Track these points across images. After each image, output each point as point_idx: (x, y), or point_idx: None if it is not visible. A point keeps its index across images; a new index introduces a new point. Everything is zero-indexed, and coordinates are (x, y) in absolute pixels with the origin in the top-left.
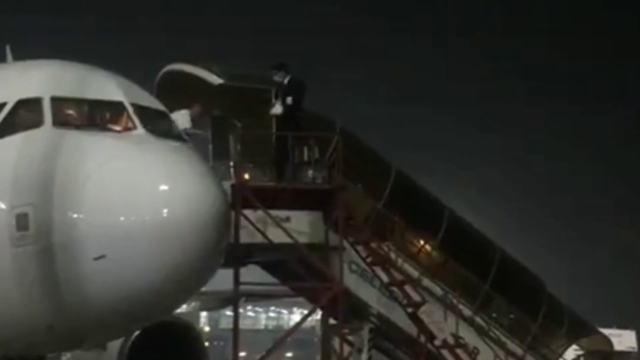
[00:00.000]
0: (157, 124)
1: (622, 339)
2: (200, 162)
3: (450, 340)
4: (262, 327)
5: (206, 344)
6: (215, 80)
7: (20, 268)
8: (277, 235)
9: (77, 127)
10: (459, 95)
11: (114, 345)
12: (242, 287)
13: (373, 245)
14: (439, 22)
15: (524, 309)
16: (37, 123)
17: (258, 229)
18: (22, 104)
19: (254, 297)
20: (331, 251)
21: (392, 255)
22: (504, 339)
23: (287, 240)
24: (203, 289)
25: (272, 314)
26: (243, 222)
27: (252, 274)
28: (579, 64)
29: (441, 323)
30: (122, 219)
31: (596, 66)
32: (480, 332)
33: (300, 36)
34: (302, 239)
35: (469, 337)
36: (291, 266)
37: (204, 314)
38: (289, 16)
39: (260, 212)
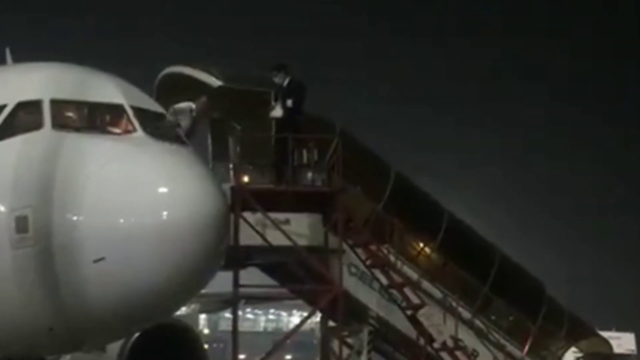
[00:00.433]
0: (157, 127)
1: (621, 342)
2: (200, 165)
3: (450, 343)
4: (261, 329)
5: (205, 346)
6: (215, 82)
7: (20, 270)
8: (276, 238)
9: (77, 129)
10: (459, 95)
11: (114, 348)
12: (242, 290)
13: (372, 247)
14: (439, 22)
15: (524, 311)
16: (37, 125)
17: (257, 232)
18: (22, 106)
19: (253, 300)
20: (330, 254)
21: (392, 258)
22: (503, 341)
23: (287, 242)
24: (202, 291)
25: (271, 317)
26: (242, 224)
27: (252, 277)
28: (579, 64)
29: (440, 325)
30: (121, 221)
31: (596, 66)
32: (480, 334)
33: (300, 36)
34: (302, 242)
35: (469, 339)
36: (291, 268)
37: (203, 316)
38: (289, 16)
39: (259, 215)
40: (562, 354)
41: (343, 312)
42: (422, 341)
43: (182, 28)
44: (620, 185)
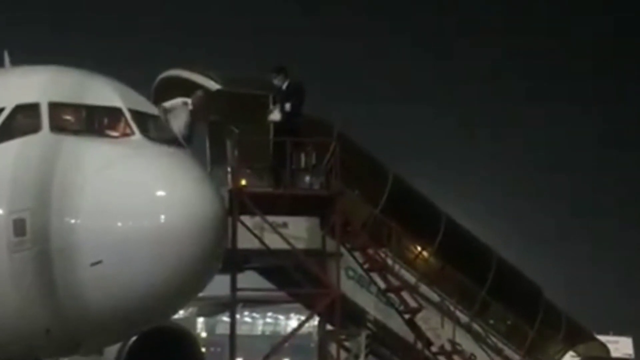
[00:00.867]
0: (155, 130)
1: (619, 346)
2: (198, 168)
3: (448, 347)
4: (259, 332)
5: (203, 349)
6: (213, 85)
7: (17, 273)
8: (274, 241)
9: (75, 132)
10: (459, 96)
11: (111, 350)
12: (239, 293)
13: (370, 251)
14: (439, 22)
15: (521, 315)
16: (35, 128)
17: (255, 235)
18: (20, 109)
19: (251, 303)
20: (328, 257)
21: (389, 261)
22: (501, 345)
23: (285, 246)
24: (200, 294)
25: (269, 320)
26: (240, 227)
27: (249, 280)
28: (579, 64)
29: (438, 329)
30: (119, 224)
31: (596, 66)
32: (478, 338)
33: (300, 36)
34: (300, 245)
35: (466, 343)
36: (288, 272)
37: (200, 319)
38: (289, 16)
39: (257, 218)
40: (560, 358)
41: (340, 315)
42: (419, 345)
43: (182, 28)
44: (619, 188)
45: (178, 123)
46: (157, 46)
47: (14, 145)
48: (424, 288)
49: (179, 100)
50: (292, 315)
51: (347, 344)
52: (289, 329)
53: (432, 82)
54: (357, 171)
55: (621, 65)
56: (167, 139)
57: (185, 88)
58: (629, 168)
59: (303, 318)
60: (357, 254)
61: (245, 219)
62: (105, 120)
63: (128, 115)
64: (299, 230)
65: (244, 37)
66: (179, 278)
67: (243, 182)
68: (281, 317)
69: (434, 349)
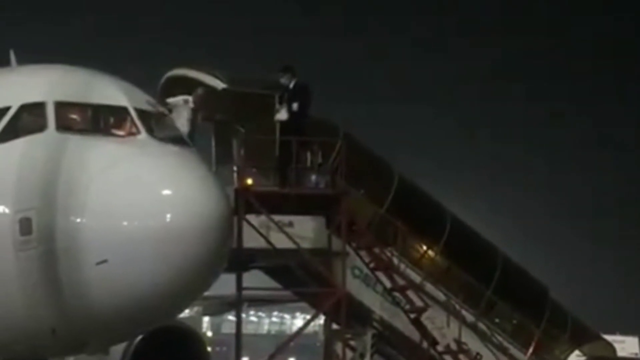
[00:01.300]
0: (161, 129)
1: (625, 346)
2: (203, 167)
3: (453, 346)
4: (264, 332)
5: (209, 349)
6: (219, 84)
7: (23, 272)
8: (280, 241)
9: (81, 131)
10: (458, 96)
11: (117, 350)
12: (245, 292)
13: (376, 250)
14: (439, 22)
15: (527, 314)
16: (41, 127)
17: (261, 234)
18: (25, 108)
19: (256, 302)
20: (334, 256)
21: (395, 261)
22: (506, 344)
23: (290, 245)
24: (206, 293)
25: (274, 319)
26: (246, 227)
27: (255, 279)
28: (579, 64)
29: (444, 329)
30: (124, 223)
31: (596, 66)
32: (483, 337)
33: (300, 36)
34: (305, 244)
35: (472, 342)
36: (294, 271)
37: (206, 318)
38: (289, 16)
39: (263, 217)
40: (566, 358)
41: (346, 314)
42: (425, 344)
43: (182, 28)
44: (624, 187)
45: (180, 121)
46: (158, 46)
47: (20, 144)
48: (429, 287)
49: (180, 99)
50: (297, 314)
51: (352, 343)
52: (295, 328)
53: (432, 82)
54: (362, 171)
55: (621, 65)
56: (173, 138)
57: (191, 87)
58: (635, 167)
59: (309, 317)
60: (363, 253)
61: (251, 218)
62: (111, 120)
63: (134, 114)
64: (304, 230)
65: (244, 37)
66: (185, 277)
67: (249, 181)
68: (287, 316)
69: (439, 348)
